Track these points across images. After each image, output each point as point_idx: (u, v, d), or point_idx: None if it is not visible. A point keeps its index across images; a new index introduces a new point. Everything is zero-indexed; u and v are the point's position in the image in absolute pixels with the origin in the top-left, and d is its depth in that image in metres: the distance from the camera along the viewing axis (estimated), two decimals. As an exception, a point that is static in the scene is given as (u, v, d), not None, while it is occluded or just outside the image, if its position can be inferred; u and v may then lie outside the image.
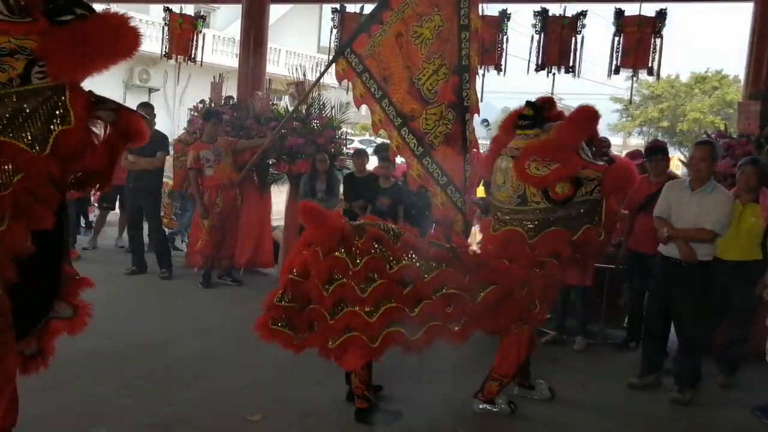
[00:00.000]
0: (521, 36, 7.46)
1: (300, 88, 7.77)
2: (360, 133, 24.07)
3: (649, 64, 6.92)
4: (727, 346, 5.25)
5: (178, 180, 8.71)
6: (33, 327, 2.80)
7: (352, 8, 7.77)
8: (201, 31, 8.52)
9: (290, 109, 7.95)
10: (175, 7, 8.58)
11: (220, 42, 20.13)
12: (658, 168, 5.71)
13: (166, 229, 8.91)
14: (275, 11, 8.96)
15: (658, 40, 6.86)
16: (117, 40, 2.53)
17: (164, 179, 8.84)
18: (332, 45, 7.65)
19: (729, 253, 4.96)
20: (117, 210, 9.10)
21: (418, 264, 3.84)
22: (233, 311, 6.38)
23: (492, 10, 7.29)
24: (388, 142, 5.49)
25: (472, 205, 5.21)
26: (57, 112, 2.44)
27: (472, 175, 5.00)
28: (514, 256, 4.05)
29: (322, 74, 6.22)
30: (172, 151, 8.30)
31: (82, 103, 2.49)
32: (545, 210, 4.03)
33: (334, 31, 7.75)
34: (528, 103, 4.25)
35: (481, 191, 5.98)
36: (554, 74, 7.28)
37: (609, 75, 7.10)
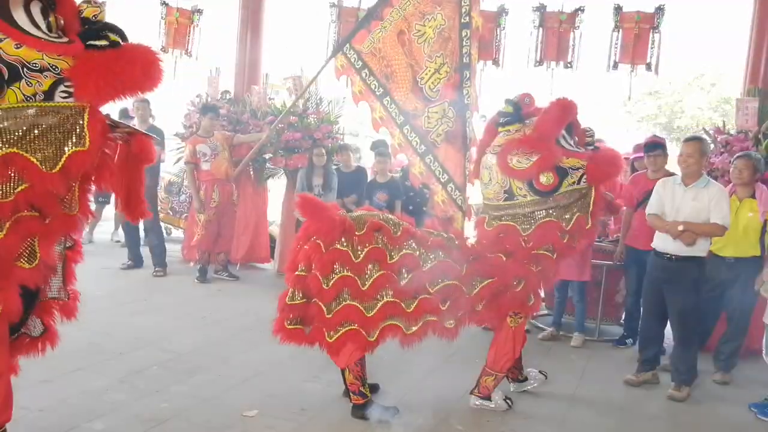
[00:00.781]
0: (519, 31, 7.43)
1: (297, 82, 7.74)
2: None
3: (648, 60, 6.90)
4: (724, 343, 5.25)
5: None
6: (29, 308, 2.81)
7: (349, 2, 7.73)
8: (198, 25, 8.48)
9: (287, 104, 7.92)
10: (172, 1, 8.52)
11: (216, 35, 20.03)
12: (656, 164, 5.69)
13: (163, 224, 8.90)
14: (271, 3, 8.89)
15: (656, 36, 6.85)
16: (145, 77, 2.59)
17: (163, 174, 8.83)
18: (330, 40, 7.61)
19: (727, 249, 4.97)
20: (113, 204, 9.06)
21: (417, 253, 3.87)
22: (230, 306, 6.37)
23: (490, 5, 7.26)
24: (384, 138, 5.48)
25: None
26: (74, 134, 2.47)
27: (471, 173, 5.00)
28: (509, 251, 4.07)
29: (321, 69, 6.19)
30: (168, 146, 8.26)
31: (99, 128, 2.53)
32: (533, 202, 4.04)
33: (332, 25, 7.70)
34: (507, 101, 4.30)
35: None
36: (552, 70, 7.26)
37: (607, 70, 7.08)
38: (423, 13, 4.98)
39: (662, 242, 4.78)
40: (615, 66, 6.99)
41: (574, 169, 4.01)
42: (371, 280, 3.75)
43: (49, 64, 2.46)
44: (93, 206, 8.65)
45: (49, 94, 2.47)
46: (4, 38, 2.41)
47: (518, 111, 4.20)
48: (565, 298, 6.15)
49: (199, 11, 8.40)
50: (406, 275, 3.83)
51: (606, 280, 6.13)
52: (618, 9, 6.92)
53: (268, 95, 8.39)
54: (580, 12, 7.08)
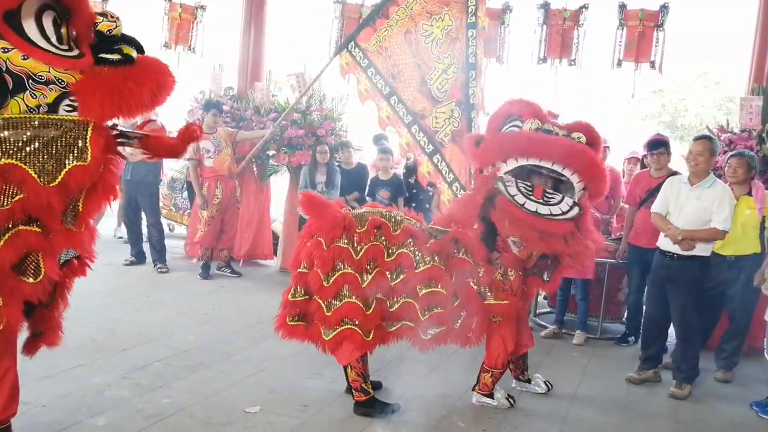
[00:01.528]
0: (523, 29, 7.42)
1: (300, 79, 7.74)
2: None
3: (652, 58, 6.89)
4: (725, 342, 5.24)
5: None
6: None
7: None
8: (201, 21, 8.47)
9: (290, 100, 7.93)
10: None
11: (220, 32, 20.03)
12: (659, 162, 5.69)
13: (165, 220, 8.92)
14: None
15: (660, 34, 6.83)
16: (152, 101, 2.57)
17: (166, 170, 8.84)
18: (333, 37, 7.61)
19: (727, 248, 4.96)
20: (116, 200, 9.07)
21: (413, 253, 3.85)
22: (232, 303, 6.38)
23: (494, 2, 7.25)
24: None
25: None
26: (75, 148, 2.44)
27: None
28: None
29: (325, 67, 6.20)
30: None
31: (102, 144, 2.50)
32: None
33: (335, 22, 7.70)
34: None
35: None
36: (556, 67, 7.26)
37: (611, 68, 7.07)
38: (430, 13, 4.99)
39: (666, 241, 4.78)
40: (619, 64, 6.99)
41: None
42: (370, 277, 3.77)
43: (55, 77, 2.44)
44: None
45: (53, 107, 2.45)
46: (12, 49, 2.39)
47: None
48: (567, 296, 6.15)
49: (202, 7, 8.41)
50: (398, 274, 3.83)
51: (608, 278, 6.13)
52: (622, 7, 6.92)
53: (272, 92, 8.39)
54: (584, 9, 7.07)
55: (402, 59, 5.03)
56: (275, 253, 8.36)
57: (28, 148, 2.38)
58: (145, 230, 7.82)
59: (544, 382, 4.60)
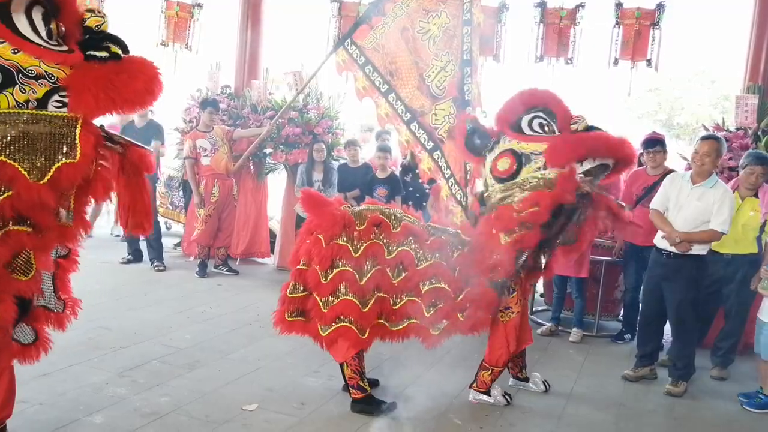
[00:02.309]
0: (520, 27, 7.42)
1: (297, 77, 7.74)
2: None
3: (648, 57, 6.90)
4: (721, 340, 5.27)
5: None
6: (22, 315, 2.78)
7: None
8: (198, 19, 8.46)
9: (287, 98, 7.93)
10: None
11: (217, 30, 19.99)
12: (655, 160, 5.71)
13: (162, 219, 8.91)
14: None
15: (657, 33, 6.84)
16: (146, 92, 2.54)
17: (163, 168, 8.83)
18: (330, 34, 7.60)
19: (724, 246, 4.97)
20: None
21: (414, 251, 3.86)
22: (229, 301, 6.38)
23: (491, 0, 7.26)
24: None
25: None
26: (65, 144, 2.41)
27: (474, 169, 5.00)
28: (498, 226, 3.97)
29: (321, 65, 6.19)
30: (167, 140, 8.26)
31: (92, 140, 2.47)
32: (500, 190, 3.98)
33: (332, 20, 7.69)
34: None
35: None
36: (553, 66, 7.26)
37: (608, 67, 7.08)
38: (427, 10, 4.99)
39: (663, 239, 4.79)
40: (615, 62, 6.99)
41: (536, 155, 3.90)
42: (369, 274, 3.78)
43: (45, 72, 2.41)
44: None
45: (42, 103, 2.41)
46: (2, 42, 2.36)
47: (486, 138, 4.23)
48: (564, 294, 6.17)
49: (199, 5, 8.38)
50: (399, 272, 3.85)
51: (605, 276, 6.15)
52: (618, 5, 6.92)
53: (269, 90, 8.38)
54: (580, 8, 7.08)
55: (399, 57, 5.02)
56: (272, 251, 8.36)
57: (16, 145, 2.35)
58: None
59: (543, 381, 4.61)
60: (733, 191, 4.96)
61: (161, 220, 8.72)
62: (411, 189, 7.08)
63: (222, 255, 7.64)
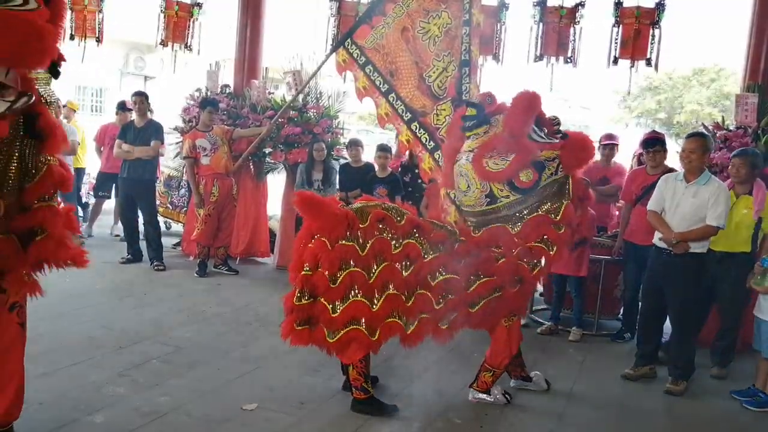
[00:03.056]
0: (519, 26, 7.42)
1: (297, 77, 7.74)
2: (356, 122, 24.01)
3: (648, 56, 6.90)
4: (718, 339, 5.27)
5: None
6: None
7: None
8: (197, 19, 8.46)
9: (287, 98, 7.93)
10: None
11: (216, 29, 20.01)
12: (655, 160, 5.71)
13: (162, 218, 8.90)
14: (272, -1, 8.87)
15: (656, 32, 6.84)
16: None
17: (162, 168, 8.83)
18: (330, 34, 7.60)
19: (718, 243, 4.96)
20: (113, 198, 9.08)
21: (420, 243, 3.84)
22: (229, 300, 6.38)
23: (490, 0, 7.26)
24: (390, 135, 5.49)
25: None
26: None
27: (443, 183, 5.03)
28: (503, 251, 4.04)
29: (321, 64, 6.19)
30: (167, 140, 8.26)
31: None
32: (517, 202, 4.02)
33: (332, 20, 7.69)
34: (468, 103, 4.31)
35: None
36: (552, 65, 7.26)
37: (607, 66, 7.07)
38: (427, 11, 4.99)
39: (661, 239, 4.79)
40: (615, 61, 6.98)
41: (549, 161, 4.00)
42: (377, 272, 3.71)
43: None
44: (92, 201, 8.62)
45: None
46: None
47: (482, 112, 4.17)
48: (563, 293, 6.17)
49: (199, 5, 8.38)
50: (408, 266, 3.79)
51: (604, 275, 6.15)
52: (618, 4, 6.91)
53: (268, 89, 8.38)
54: (580, 7, 7.07)
55: (399, 57, 5.03)
56: (272, 250, 8.36)
57: None
58: (141, 228, 7.81)
59: (545, 380, 4.61)
60: (729, 189, 4.97)
61: (161, 219, 8.71)
62: (410, 189, 7.08)
63: (222, 254, 7.64)
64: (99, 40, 8.07)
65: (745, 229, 5.06)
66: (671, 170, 5.50)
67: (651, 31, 6.85)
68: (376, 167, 7.07)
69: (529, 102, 4.04)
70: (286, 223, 7.96)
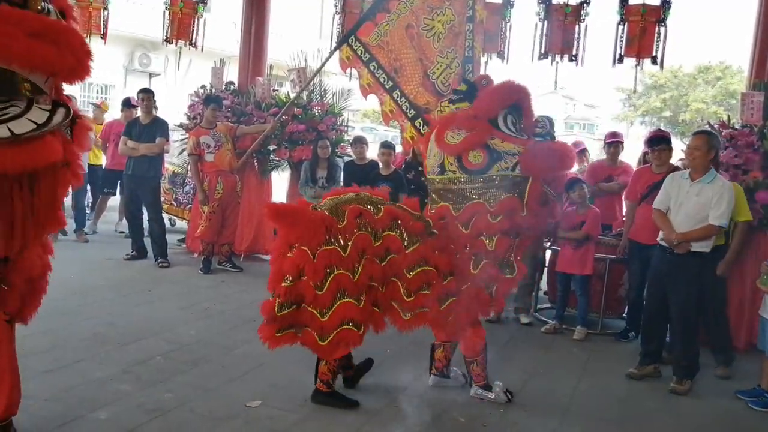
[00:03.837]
0: (524, 24, 7.41)
1: (301, 74, 7.74)
2: (361, 120, 24.03)
3: (653, 54, 6.87)
4: (713, 340, 5.25)
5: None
6: None
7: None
8: (202, 16, 8.47)
9: (291, 95, 7.93)
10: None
11: (221, 26, 20.07)
12: (660, 158, 5.69)
13: (166, 215, 8.91)
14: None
15: (662, 29, 6.81)
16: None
17: (167, 165, 8.84)
18: (334, 31, 7.60)
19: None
20: (118, 195, 9.09)
21: (400, 235, 3.80)
22: (233, 297, 6.39)
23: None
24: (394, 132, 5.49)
25: None
26: None
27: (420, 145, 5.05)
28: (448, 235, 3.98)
29: (325, 61, 6.18)
30: (172, 137, 8.27)
31: None
32: (463, 180, 3.98)
33: (336, 17, 7.69)
34: (464, 80, 4.33)
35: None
36: (557, 62, 7.24)
37: (613, 64, 7.05)
38: (431, 7, 4.98)
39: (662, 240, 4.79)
40: (620, 59, 6.96)
41: (508, 154, 3.89)
42: (360, 269, 3.67)
43: None
44: (97, 198, 8.60)
45: None
46: None
47: (472, 90, 4.16)
48: (567, 292, 6.16)
49: (203, 2, 8.39)
50: (386, 257, 3.76)
51: (609, 274, 6.13)
52: (624, 2, 6.89)
53: (273, 87, 8.38)
54: (585, 5, 7.05)
55: (404, 53, 5.03)
56: (276, 247, 8.36)
57: None
58: (146, 225, 7.82)
59: (462, 374, 4.52)
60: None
61: (165, 216, 8.72)
62: (414, 186, 7.07)
63: (226, 251, 7.65)
64: (104, 38, 8.08)
65: None
66: (676, 169, 5.48)
67: (657, 28, 6.82)
68: (380, 164, 7.06)
69: (506, 90, 4.05)
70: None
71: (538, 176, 3.91)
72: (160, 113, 7.98)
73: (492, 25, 7.01)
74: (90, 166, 8.65)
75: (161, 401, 3.86)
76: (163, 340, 4.94)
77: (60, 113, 2.61)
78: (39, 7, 2.52)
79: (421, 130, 5.03)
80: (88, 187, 9.03)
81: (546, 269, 6.95)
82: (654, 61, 6.92)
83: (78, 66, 2.55)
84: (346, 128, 8.20)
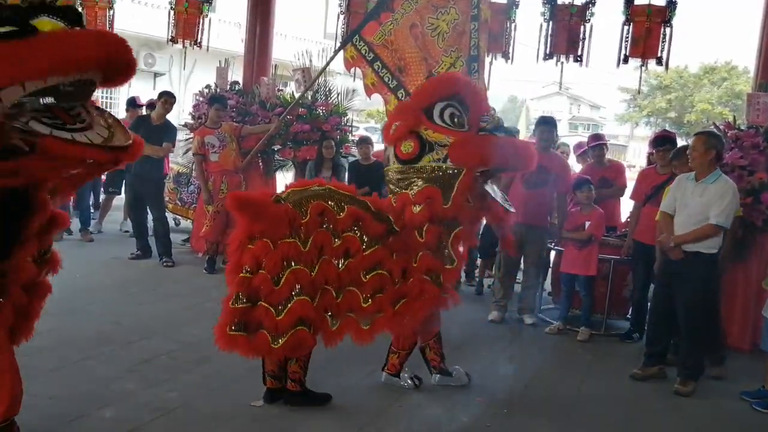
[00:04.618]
0: (530, 24, 7.40)
1: (306, 74, 7.75)
2: (365, 120, 24.04)
3: (658, 54, 6.87)
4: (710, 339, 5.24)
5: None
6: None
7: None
8: (207, 16, 8.49)
9: (296, 95, 7.94)
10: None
11: (226, 26, 20.11)
12: (664, 158, 5.69)
13: (170, 215, 8.92)
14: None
15: (667, 30, 6.80)
16: (54, 68, 2.47)
17: (171, 164, 8.86)
18: (339, 31, 7.61)
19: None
20: (123, 195, 9.11)
21: (360, 238, 3.72)
22: (237, 297, 6.39)
23: (500, -3, 7.26)
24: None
25: None
26: None
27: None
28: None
29: (329, 61, 6.20)
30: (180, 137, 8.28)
31: None
32: (398, 170, 3.96)
33: (341, 16, 7.70)
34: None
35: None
36: (562, 63, 7.24)
37: (617, 65, 7.05)
38: (436, 7, 4.99)
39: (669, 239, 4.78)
40: (625, 60, 6.96)
41: (440, 145, 3.83)
42: (318, 266, 3.61)
43: None
44: (102, 196, 8.64)
45: None
46: None
47: None
48: (572, 292, 6.15)
49: (208, 2, 8.41)
50: (345, 260, 3.70)
51: (613, 275, 6.12)
52: (629, 2, 6.89)
53: (277, 86, 8.39)
54: (590, 5, 7.05)
55: (408, 53, 5.04)
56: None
57: None
58: (150, 224, 7.84)
59: (466, 373, 4.49)
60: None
61: (170, 216, 8.74)
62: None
63: (230, 251, 7.64)
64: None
65: None
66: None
67: (662, 29, 6.82)
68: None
69: (444, 82, 4.09)
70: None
71: (470, 169, 3.81)
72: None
73: (497, 25, 7.02)
74: None
75: (166, 400, 3.87)
76: (168, 339, 4.95)
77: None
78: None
79: None
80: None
81: (550, 270, 6.95)
82: (659, 61, 6.91)
83: (129, 70, 2.74)
84: (350, 128, 8.21)
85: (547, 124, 6.43)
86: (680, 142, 6.25)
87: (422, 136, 3.87)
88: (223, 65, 8.65)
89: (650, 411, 4.42)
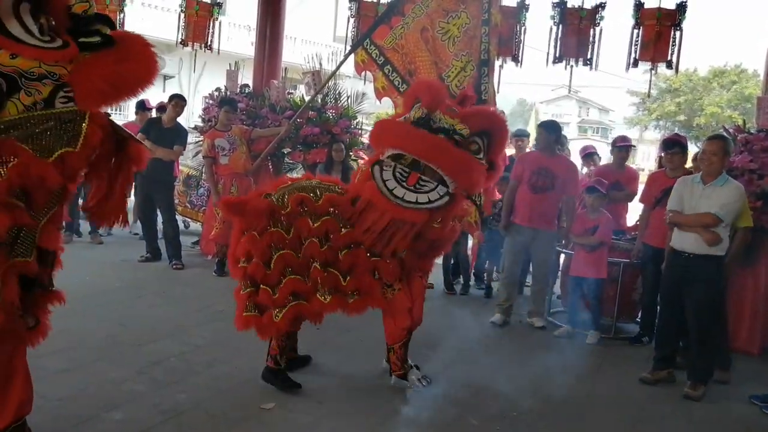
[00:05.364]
0: (539, 27, 7.40)
1: (316, 77, 7.77)
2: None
3: (668, 58, 6.85)
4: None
5: None
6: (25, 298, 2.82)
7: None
8: (217, 19, 8.53)
9: (306, 98, 7.97)
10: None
11: (236, 29, 20.19)
12: (673, 162, 5.68)
13: (180, 217, 8.96)
14: None
15: (677, 33, 6.79)
16: (148, 74, 2.61)
17: (181, 167, 8.90)
18: (349, 34, 7.63)
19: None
20: (133, 197, 9.15)
21: (337, 218, 3.97)
22: (246, 299, 6.40)
23: (510, 0, 7.25)
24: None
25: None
26: (70, 135, 2.48)
27: None
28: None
29: (340, 64, 6.22)
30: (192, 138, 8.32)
31: (99, 135, 2.55)
32: None
33: (351, 20, 7.72)
34: None
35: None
36: (572, 66, 7.23)
37: (627, 68, 7.03)
38: (446, 11, 5.01)
39: (680, 240, 4.76)
40: (635, 63, 6.95)
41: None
42: (302, 249, 3.93)
43: (47, 71, 2.43)
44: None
45: (49, 101, 2.45)
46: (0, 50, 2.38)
47: None
48: (581, 296, 6.13)
49: (219, 5, 8.45)
50: (325, 241, 3.95)
51: (623, 278, 6.11)
52: (639, 6, 6.88)
53: (287, 89, 8.42)
54: (600, 8, 7.04)
55: (418, 56, 5.05)
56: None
57: (27, 141, 2.42)
58: (160, 227, 7.87)
59: (419, 379, 4.44)
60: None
61: (179, 218, 8.77)
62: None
63: (239, 254, 7.66)
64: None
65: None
66: (690, 172, 5.46)
67: (672, 32, 6.80)
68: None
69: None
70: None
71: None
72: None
73: (506, 28, 7.02)
74: None
75: (176, 402, 3.88)
76: (178, 342, 4.97)
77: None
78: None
79: None
80: None
81: (560, 273, 6.93)
82: (669, 65, 6.90)
83: (148, 83, 2.74)
84: (360, 131, 8.22)
85: (545, 128, 6.39)
86: (690, 146, 6.23)
87: None
88: (233, 68, 8.68)
89: (660, 415, 4.40)
